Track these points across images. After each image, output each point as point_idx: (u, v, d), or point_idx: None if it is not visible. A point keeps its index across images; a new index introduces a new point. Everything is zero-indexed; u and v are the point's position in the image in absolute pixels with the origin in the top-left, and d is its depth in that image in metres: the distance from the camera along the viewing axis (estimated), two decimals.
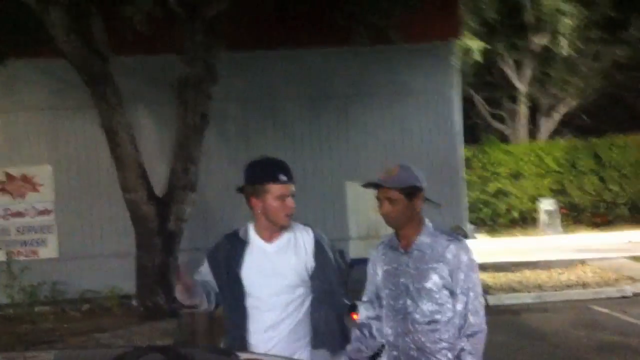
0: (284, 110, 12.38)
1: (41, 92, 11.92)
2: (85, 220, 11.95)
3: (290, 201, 3.11)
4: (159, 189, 9.93)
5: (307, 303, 3.16)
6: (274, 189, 3.09)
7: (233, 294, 3.14)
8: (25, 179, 11.95)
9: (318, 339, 3.12)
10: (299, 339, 3.13)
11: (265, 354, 3.00)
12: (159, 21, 9.37)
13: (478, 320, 3.02)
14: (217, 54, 9.79)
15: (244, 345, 3.08)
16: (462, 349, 2.98)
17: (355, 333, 3.26)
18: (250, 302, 3.14)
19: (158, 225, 9.67)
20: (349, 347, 3.23)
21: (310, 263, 3.15)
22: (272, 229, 3.16)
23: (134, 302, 10.01)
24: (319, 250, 3.17)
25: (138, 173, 9.64)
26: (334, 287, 3.18)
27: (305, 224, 3.27)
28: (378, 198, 3.11)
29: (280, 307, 3.12)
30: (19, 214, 11.89)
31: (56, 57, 9.67)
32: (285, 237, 3.17)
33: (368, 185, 3.13)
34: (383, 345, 3.22)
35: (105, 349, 3.94)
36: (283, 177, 3.11)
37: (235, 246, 3.16)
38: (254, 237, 3.18)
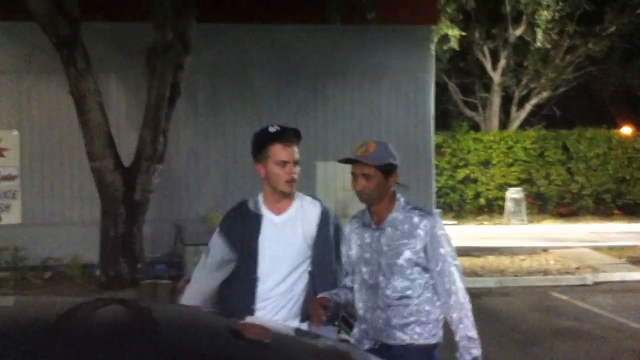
0: (254, 84, 12.29)
1: (8, 55, 11.70)
2: (50, 187, 11.81)
3: (291, 167, 3.11)
4: (127, 159, 9.85)
5: (305, 275, 3.17)
6: (274, 154, 3.11)
7: (246, 266, 3.13)
8: None
9: (307, 311, 3.09)
10: (290, 309, 3.14)
11: (259, 318, 2.98)
12: None
13: (462, 290, 3.04)
14: (188, 22, 9.68)
15: (249, 313, 3.05)
16: (452, 318, 3.01)
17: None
18: (258, 272, 3.14)
19: (124, 195, 9.60)
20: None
21: (313, 234, 3.15)
22: (278, 199, 3.16)
23: (97, 272, 9.92)
24: (324, 223, 3.18)
25: (105, 141, 9.53)
26: (329, 262, 3.18)
27: (314, 198, 3.28)
28: (353, 174, 3.09)
29: (280, 277, 3.13)
30: None
31: (24, 19, 9.50)
32: (293, 209, 3.18)
33: (344, 161, 3.12)
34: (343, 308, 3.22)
35: (69, 298, 3.87)
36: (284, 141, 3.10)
37: (251, 220, 3.14)
38: (264, 210, 3.17)
